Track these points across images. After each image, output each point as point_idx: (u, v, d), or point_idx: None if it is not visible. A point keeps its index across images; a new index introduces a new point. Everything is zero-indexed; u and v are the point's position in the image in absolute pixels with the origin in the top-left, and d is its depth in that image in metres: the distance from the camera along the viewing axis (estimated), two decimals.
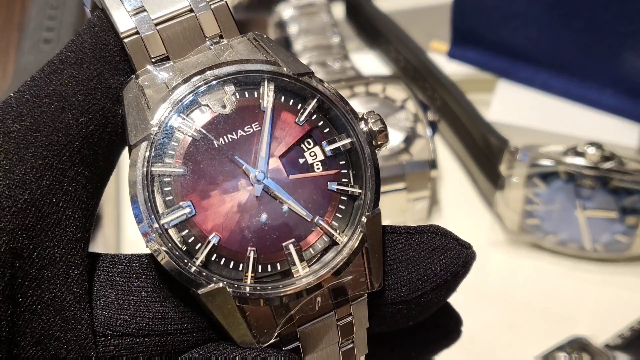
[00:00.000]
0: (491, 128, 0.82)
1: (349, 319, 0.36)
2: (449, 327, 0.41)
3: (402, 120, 0.80)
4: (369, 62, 1.01)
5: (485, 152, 0.82)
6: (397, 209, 0.80)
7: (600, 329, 0.72)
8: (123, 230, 0.81)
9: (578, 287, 0.78)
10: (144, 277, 0.36)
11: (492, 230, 0.83)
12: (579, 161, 0.74)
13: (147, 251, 0.35)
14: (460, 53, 0.96)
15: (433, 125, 0.81)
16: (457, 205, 0.87)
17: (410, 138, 0.79)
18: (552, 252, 0.81)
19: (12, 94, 0.36)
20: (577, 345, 0.68)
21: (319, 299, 0.35)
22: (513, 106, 0.90)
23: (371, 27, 1.00)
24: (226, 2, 0.38)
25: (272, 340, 0.35)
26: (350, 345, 0.38)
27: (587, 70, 0.87)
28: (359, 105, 0.80)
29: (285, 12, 0.93)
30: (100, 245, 0.77)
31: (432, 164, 0.79)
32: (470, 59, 0.95)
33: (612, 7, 0.81)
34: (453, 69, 0.94)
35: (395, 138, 0.78)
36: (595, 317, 0.75)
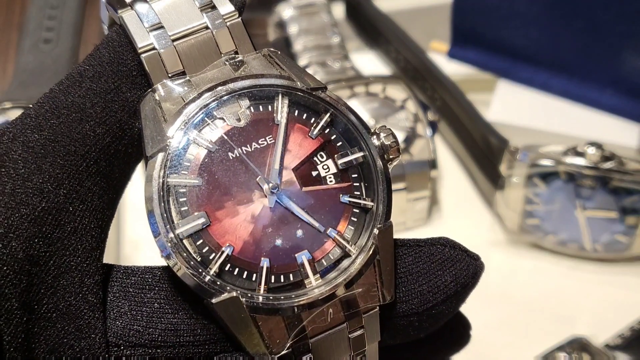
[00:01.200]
0: (491, 128, 0.82)
1: (361, 331, 0.37)
2: (459, 332, 0.41)
3: (402, 120, 0.80)
4: (369, 62, 1.01)
5: (485, 152, 0.82)
6: (397, 209, 0.80)
7: (600, 329, 0.72)
8: (123, 231, 0.81)
9: (578, 287, 0.78)
10: (157, 288, 0.36)
11: (492, 230, 0.83)
12: (579, 161, 0.75)
13: (160, 262, 0.35)
14: (460, 53, 0.96)
15: (433, 125, 0.81)
16: (457, 205, 0.87)
17: (410, 138, 0.79)
18: (552, 252, 0.81)
19: (31, 105, 0.37)
20: (577, 345, 0.68)
21: (331, 310, 0.35)
22: (513, 106, 0.90)
23: (371, 27, 1.00)
24: (242, 19, 0.39)
25: (284, 351, 0.35)
26: (362, 358, 0.38)
27: (587, 70, 0.87)
28: (359, 105, 0.80)
29: (285, 12, 0.93)
30: None
31: (432, 164, 0.79)
32: (470, 59, 0.95)
33: (612, 7, 0.81)
34: (453, 69, 0.94)
35: None
36: (595, 317, 0.75)
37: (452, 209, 0.87)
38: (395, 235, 0.38)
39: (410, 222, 0.82)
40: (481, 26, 0.92)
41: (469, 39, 0.94)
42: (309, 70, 0.84)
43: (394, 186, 0.77)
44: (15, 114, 0.67)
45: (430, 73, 0.90)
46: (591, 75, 0.87)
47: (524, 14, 0.88)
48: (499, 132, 0.81)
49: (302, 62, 0.87)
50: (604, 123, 0.87)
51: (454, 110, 0.87)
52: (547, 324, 0.75)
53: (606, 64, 0.86)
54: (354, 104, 0.80)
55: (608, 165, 0.74)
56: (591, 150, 0.74)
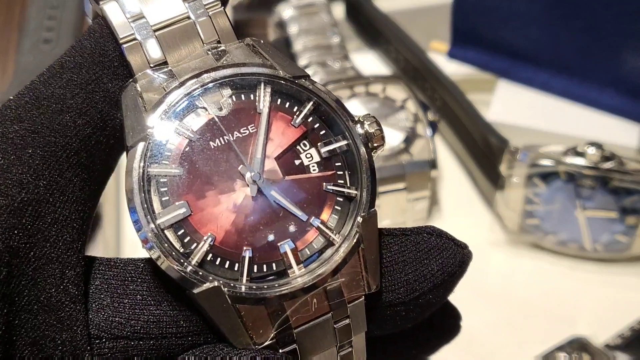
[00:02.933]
0: (491, 128, 0.82)
1: (347, 321, 0.36)
2: (448, 323, 0.41)
3: (402, 120, 0.80)
4: (369, 62, 1.01)
5: (485, 152, 0.82)
6: (397, 209, 0.80)
7: (600, 329, 0.72)
8: (123, 232, 0.81)
9: (578, 287, 0.78)
10: (139, 280, 0.36)
11: (492, 230, 0.83)
12: (579, 161, 0.74)
13: (143, 255, 0.35)
14: (460, 53, 0.96)
15: (433, 125, 0.81)
16: (457, 205, 0.87)
17: (410, 138, 0.79)
18: (552, 252, 0.81)
19: (11, 97, 0.36)
20: (577, 345, 0.68)
21: (315, 300, 0.35)
22: (513, 106, 0.90)
23: (371, 27, 1.00)
24: (224, 8, 0.38)
25: (268, 342, 0.34)
26: (349, 350, 0.37)
27: (587, 70, 0.87)
28: (359, 105, 0.80)
29: (285, 12, 0.93)
30: (100, 246, 0.77)
31: (432, 164, 0.79)
32: (470, 59, 0.95)
33: (612, 7, 0.81)
34: (453, 69, 0.94)
35: (395, 138, 0.78)
36: (595, 317, 0.75)
37: (452, 209, 0.87)
38: None
39: (410, 222, 0.82)
40: (481, 26, 0.92)
41: (469, 39, 0.94)
42: (309, 71, 0.84)
43: (394, 186, 0.78)
44: None
45: (430, 73, 0.90)
46: (591, 75, 0.87)
47: (524, 14, 0.88)
48: (499, 132, 0.81)
49: (302, 62, 0.87)
50: (604, 123, 0.87)
51: (454, 110, 0.87)
52: (547, 324, 0.75)
53: (606, 64, 0.86)
54: (354, 104, 0.80)
55: (608, 165, 0.74)
56: (591, 150, 0.74)
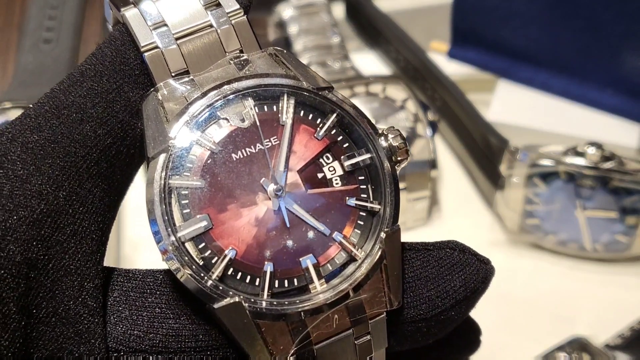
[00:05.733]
0: (491, 128, 0.82)
1: (367, 337, 0.36)
2: (468, 337, 0.40)
3: (402, 120, 0.80)
4: (369, 62, 1.01)
5: (485, 152, 0.82)
6: None
7: (600, 329, 0.72)
8: (123, 231, 0.81)
9: (578, 287, 0.78)
10: (158, 292, 0.36)
11: (492, 230, 0.83)
12: (579, 161, 0.74)
13: (162, 266, 0.35)
14: (460, 53, 0.96)
15: (433, 125, 0.81)
16: (457, 205, 0.87)
17: (410, 138, 0.79)
18: (552, 252, 0.81)
19: (31, 105, 0.36)
20: (577, 345, 0.68)
21: (336, 316, 0.34)
22: (513, 106, 0.90)
23: (371, 27, 1.00)
24: (247, 17, 0.38)
25: (289, 358, 0.34)
26: None
27: (587, 70, 0.87)
28: (359, 105, 0.80)
29: (285, 12, 0.93)
30: None
31: (432, 164, 0.79)
32: (470, 59, 0.95)
33: (612, 7, 0.81)
34: (453, 69, 0.94)
35: None
36: (595, 317, 0.75)
37: (452, 209, 0.87)
38: None
39: (410, 222, 0.82)
40: (481, 26, 0.92)
41: (469, 39, 0.94)
42: None
43: None
44: (15, 114, 0.67)
45: (430, 73, 0.90)
46: (591, 75, 0.87)
47: (523, 14, 0.88)
48: (499, 132, 0.81)
49: (302, 62, 0.87)
50: (604, 123, 0.87)
51: (454, 110, 0.87)
52: (547, 324, 0.75)
53: (606, 64, 0.86)
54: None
55: (608, 165, 0.74)
56: (591, 150, 0.74)
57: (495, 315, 0.75)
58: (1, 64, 0.97)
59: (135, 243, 0.81)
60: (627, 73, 0.85)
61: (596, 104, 0.88)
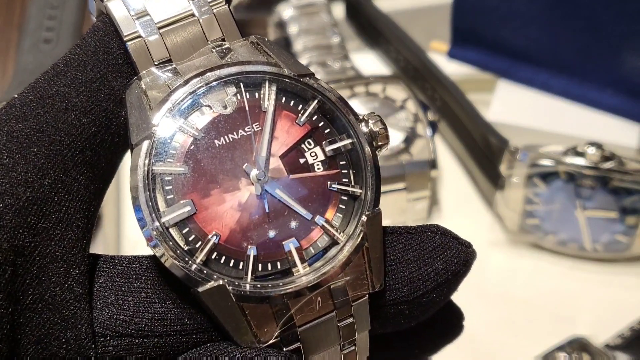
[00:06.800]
0: (491, 128, 0.82)
1: (350, 320, 0.36)
2: (451, 322, 0.41)
3: (402, 120, 0.80)
4: (369, 62, 1.01)
5: (485, 152, 0.82)
6: (397, 209, 0.80)
7: (600, 329, 0.72)
8: (123, 230, 0.81)
9: (578, 287, 0.78)
10: (143, 278, 0.36)
11: (492, 230, 0.83)
12: (579, 161, 0.74)
13: (148, 252, 0.35)
14: (460, 53, 0.96)
15: (433, 125, 0.81)
16: (457, 205, 0.87)
17: (410, 138, 0.79)
18: (552, 252, 0.81)
19: (16, 95, 0.36)
20: (577, 345, 0.68)
21: (319, 299, 0.35)
22: (513, 106, 0.90)
23: (371, 27, 1.00)
24: (228, 6, 0.38)
25: (272, 340, 0.35)
26: (352, 348, 0.37)
27: (587, 70, 0.87)
28: (359, 105, 0.80)
29: (285, 12, 0.93)
30: (100, 245, 0.77)
31: (432, 164, 0.79)
32: (470, 59, 0.95)
33: (612, 7, 0.81)
34: (453, 69, 0.94)
35: (395, 138, 0.78)
36: (595, 317, 0.75)
37: (452, 209, 0.87)
38: None
39: (410, 222, 0.82)
40: (481, 26, 0.92)
41: (469, 39, 0.94)
42: None
43: (394, 186, 0.78)
44: None
45: (430, 73, 0.90)
46: (591, 75, 0.87)
47: (523, 14, 0.88)
48: (499, 132, 0.81)
49: (301, 62, 0.87)
50: (604, 123, 0.87)
51: (454, 110, 0.87)
52: (547, 324, 0.75)
53: (606, 64, 0.86)
54: (354, 104, 0.80)
55: (608, 165, 0.74)
56: (591, 150, 0.74)
57: (495, 315, 0.75)
58: (1, 64, 0.97)
59: (135, 243, 0.81)
60: (627, 73, 0.85)
61: (596, 104, 0.88)
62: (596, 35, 0.84)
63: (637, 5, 0.80)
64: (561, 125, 0.87)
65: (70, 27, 0.79)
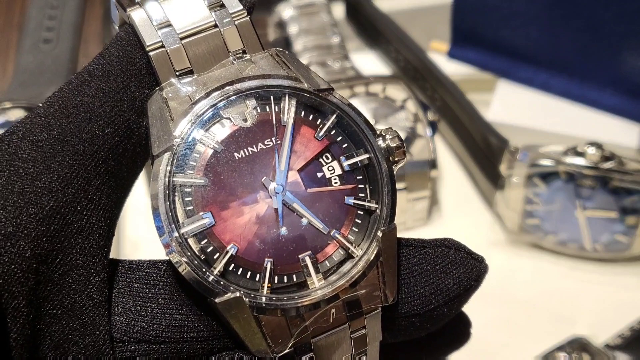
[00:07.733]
0: (491, 128, 0.82)
1: (363, 331, 0.37)
2: (458, 330, 0.41)
3: (402, 120, 0.80)
4: (369, 62, 1.01)
5: (485, 152, 0.82)
6: (397, 209, 0.79)
7: (600, 329, 0.72)
8: (123, 231, 0.81)
9: (578, 287, 0.78)
10: (161, 284, 0.37)
11: (492, 230, 0.83)
12: (579, 161, 0.75)
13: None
14: (460, 53, 0.96)
15: (433, 125, 0.81)
16: (457, 205, 0.87)
17: (410, 138, 0.79)
18: (552, 252, 0.81)
19: (40, 104, 0.37)
20: (577, 345, 0.68)
21: (333, 311, 0.36)
22: (513, 106, 0.90)
23: (371, 27, 1.00)
24: (250, 18, 0.39)
25: (286, 350, 0.35)
26: (364, 358, 0.38)
27: (587, 70, 0.87)
28: (359, 105, 0.80)
29: (285, 12, 0.93)
30: None
31: (432, 164, 0.79)
32: (470, 59, 0.95)
33: (612, 7, 0.81)
34: (453, 69, 0.94)
35: None
36: (595, 317, 0.75)
37: (452, 209, 0.87)
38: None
39: (410, 222, 0.82)
40: (481, 26, 0.92)
41: (469, 39, 0.94)
42: None
43: None
44: (15, 113, 0.67)
45: (430, 73, 0.90)
46: (591, 75, 0.87)
47: (523, 14, 0.88)
48: (499, 132, 0.81)
49: (301, 61, 0.87)
50: (604, 123, 0.87)
51: (454, 110, 0.87)
52: (547, 324, 0.75)
53: (606, 64, 0.86)
54: (354, 104, 0.80)
55: (608, 165, 0.74)
56: (591, 150, 0.74)
57: (496, 315, 0.75)
58: (1, 64, 0.97)
59: (135, 243, 0.81)
60: (627, 73, 0.85)
61: (596, 104, 0.88)
62: (596, 35, 0.84)
63: (636, 5, 0.80)
64: (561, 125, 0.87)
65: (70, 27, 0.79)
